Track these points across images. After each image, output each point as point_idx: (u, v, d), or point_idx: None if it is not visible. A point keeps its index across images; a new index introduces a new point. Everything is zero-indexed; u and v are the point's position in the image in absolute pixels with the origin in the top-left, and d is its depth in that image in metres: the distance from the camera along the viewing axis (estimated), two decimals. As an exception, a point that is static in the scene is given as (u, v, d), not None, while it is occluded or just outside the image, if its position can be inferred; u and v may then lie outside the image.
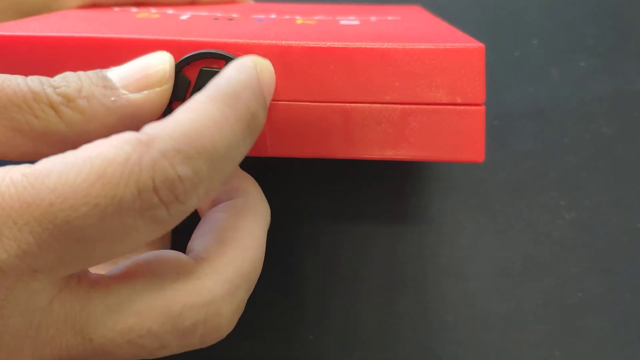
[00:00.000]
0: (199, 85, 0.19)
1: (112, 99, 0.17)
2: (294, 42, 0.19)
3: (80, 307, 0.16)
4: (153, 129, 0.15)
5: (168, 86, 0.18)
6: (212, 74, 0.18)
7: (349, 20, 0.24)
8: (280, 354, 0.28)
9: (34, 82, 0.17)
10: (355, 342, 0.28)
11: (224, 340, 0.28)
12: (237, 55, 0.19)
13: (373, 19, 0.24)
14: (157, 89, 0.18)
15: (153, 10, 0.26)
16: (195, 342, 0.18)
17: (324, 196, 0.30)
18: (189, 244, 0.20)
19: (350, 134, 0.19)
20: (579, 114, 0.31)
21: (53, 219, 0.15)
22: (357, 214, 0.30)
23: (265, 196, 0.30)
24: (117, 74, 0.18)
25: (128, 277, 0.17)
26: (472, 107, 0.19)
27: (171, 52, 0.19)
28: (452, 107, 0.19)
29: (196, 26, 0.21)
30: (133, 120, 0.18)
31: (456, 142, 0.19)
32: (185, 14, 0.24)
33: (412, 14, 0.27)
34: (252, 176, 0.21)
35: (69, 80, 0.17)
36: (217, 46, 0.19)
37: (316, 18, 0.24)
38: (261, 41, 0.19)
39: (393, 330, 0.28)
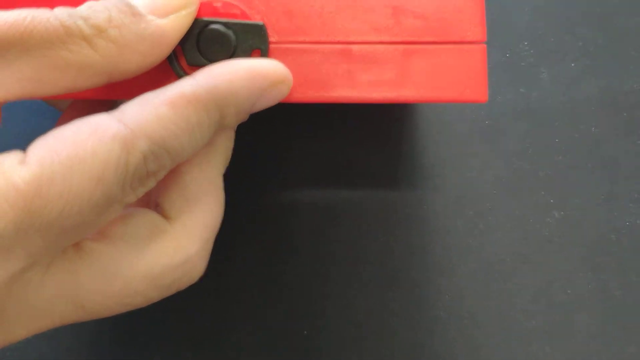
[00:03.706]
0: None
1: (143, 25, 0.17)
2: None
3: (70, 279, 0.17)
4: (135, 123, 0.17)
5: (193, 8, 0.18)
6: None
7: None
8: (274, 350, 0.28)
9: (64, 16, 0.17)
10: (349, 338, 0.28)
11: (219, 338, 0.29)
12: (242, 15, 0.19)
13: None
14: (183, 12, 0.18)
15: None
16: (173, 291, 0.19)
17: (318, 194, 0.30)
18: (154, 197, 0.20)
19: (353, 75, 0.19)
20: (569, 114, 0.31)
21: (58, 225, 0.16)
22: (349, 211, 0.30)
23: (259, 194, 0.30)
24: None
25: (107, 239, 0.18)
26: (473, 46, 0.19)
27: None
28: (453, 46, 0.19)
29: None
30: (163, 45, 0.18)
31: (459, 82, 0.19)
32: None
33: None
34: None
35: (96, 10, 0.17)
36: None
37: None
38: None
39: (386, 327, 0.28)
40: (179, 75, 0.19)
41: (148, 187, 0.18)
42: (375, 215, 0.30)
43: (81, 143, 0.16)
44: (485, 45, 0.20)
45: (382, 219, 0.30)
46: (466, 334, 0.28)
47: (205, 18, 0.19)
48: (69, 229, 0.16)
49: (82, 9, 0.17)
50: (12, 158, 0.16)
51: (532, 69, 0.31)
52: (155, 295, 0.19)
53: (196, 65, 0.19)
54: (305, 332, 0.28)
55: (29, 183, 0.15)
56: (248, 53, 0.19)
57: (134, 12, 0.17)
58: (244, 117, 0.19)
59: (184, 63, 0.19)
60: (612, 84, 0.31)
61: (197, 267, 0.20)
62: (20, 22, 0.16)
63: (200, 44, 0.19)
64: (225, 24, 0.19)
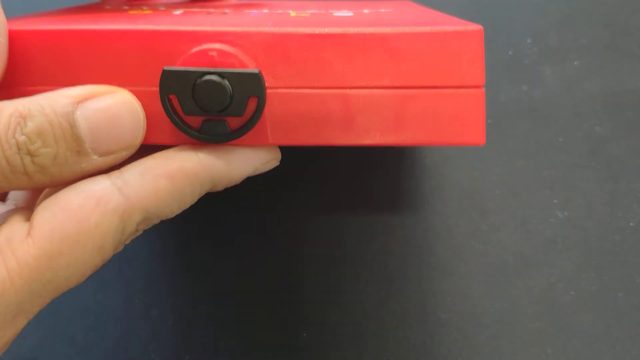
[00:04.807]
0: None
1: (83, 165, 0.18)
2: (292, 29, 0.19)
3: None
4: (134, 195, 0.18)
5: (133, 150, 0.19)
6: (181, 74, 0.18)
7: (342, 13, 0.24)
8: (273, 352, 0.28)
9: (12, 151, 0.17)
10: (349, 340, 0.28)
11: (217, 339, 0.28)
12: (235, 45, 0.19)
13: (366, 11, 0.24)
14: (124, 153, 0.19)
15: (144, 7, 0.26)
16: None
17: (319, 195, 0.30)
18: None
19: (350, 120, 0.19)
20: (573, 113, 0.31)
21: (64, 287, 0.18)
22: (351, 212, 0.30)
23: (260, 198, 0.30)
24: (88, 124, 0.18)
25: None
26: (472, 90, 0.19)
27: (171, 42, 0.19)
28: (451, 90, 0.19)
29: (191, 19, 0.21)
30: (93, 174, 0.18)
31: (457, 126, 0.19)
32: (178, 10, 0.24)
33: (405, 7, 0.27)
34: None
35: (45, 143, 0.17)
36: (216, 35, 0.19)
37: (309, 12, 0.24)
38: (260, 29, 0.19)
39: (387, 328, 0.28)
40: (175, 124, 0.19)
41: (133, 237, 0.19)
42: (376, 216, 0.29)
43: (86, 217, 0.17)
44: (483, 90, 0.19)
45: (383, 219, 0.29)
46: (468, 335, 0.28)
47: (200, 68, 0.18)
48: (71, 285, 0.18)
49: (32, 133, 0.17)
50: (19, 232, 0.17)
51: (535, 67, 0.31)
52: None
53: (193, 115, 0.19)
54: (304, 333, 0.28)
55: (40, 259, 0.17)
56: (245, 101, 0.18)
57: (80, 150, 0.18)
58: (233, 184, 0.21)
59: (180, 112, 0.19)
60: (616, 82, 0.31)
61: None
62: None
63: (195, 95, 0.18)
64: (220, 74, 0.18)
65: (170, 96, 0.18)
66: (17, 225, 0.17)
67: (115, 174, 0.18)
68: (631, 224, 0.29)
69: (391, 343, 0.28)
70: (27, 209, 0.19)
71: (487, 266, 0.29)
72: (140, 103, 0.19)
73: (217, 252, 0.29)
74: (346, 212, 0.30)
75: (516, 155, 0.30)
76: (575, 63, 0.31)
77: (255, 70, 0.18)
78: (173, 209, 0.19)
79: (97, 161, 0.18)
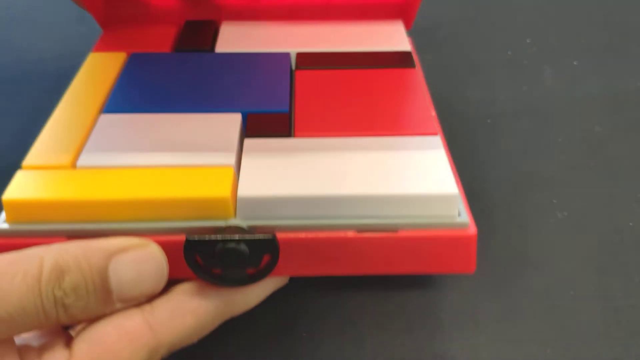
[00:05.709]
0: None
1: (107, 311, 0.20)
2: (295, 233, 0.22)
3: None
4: (163, 333, 0.20)
5: (155, 294, 0.21)
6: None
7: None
8: (272, 351, 0.28)
9: (50, 304, 0.18)
10: (349, 340, 0.28)
11: (217, 337, 0.28)
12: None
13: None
14: (145, 299, 0.21)
15: None
16: None
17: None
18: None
19: (357, 259, 0.22)
20: (572, 113, 0.31)
21: None
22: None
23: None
24: (117, 278, 0.19)
25: None
26: (464, 237, 0.22)
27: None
28: (446, 237, 0.22)
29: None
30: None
31: (450, 261, 0.23)
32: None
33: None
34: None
35: (79, 297, 0.19)
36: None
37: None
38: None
39: (387, 328, 0.28)
40: (198, 275, 0.22)
41: None
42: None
43: (119, 351, 0.19)
44: (475, 230, 0.22)
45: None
46: (467, 335, 0.28)
47: (220, 237, 0.21)
48: None
49: (68, 289, 0.19)
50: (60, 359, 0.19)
51: (534, 67, 0.31)
52: None
53: (214, 268, 0.22)
54: (304, 333, 0.28)
55: None
56: (261, 257, 0.21)
57: (107, 300, 0.20)
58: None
59: (202, 265, 0.22)
60: (615, 82, 0.31)
61: None
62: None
63: (216, 256, 0.21)
64: (238, 241, 0.21)
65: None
66: (58, 354, 0.19)
67: (147, 309, 0.20)
68: (630, 223, 0.29)
69: (390, 343, 0.28)
70: (64, 332, 0.21)
71: (487, 266, 0.29)
72: (165, 256, 0.21)
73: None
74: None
75: (515, 155, 0.30)
76: (575, 63, 0.31)
77: (270, 236, 0.21)
78: (194, 339, 0.21)
79: (118, 307, 0.20)
